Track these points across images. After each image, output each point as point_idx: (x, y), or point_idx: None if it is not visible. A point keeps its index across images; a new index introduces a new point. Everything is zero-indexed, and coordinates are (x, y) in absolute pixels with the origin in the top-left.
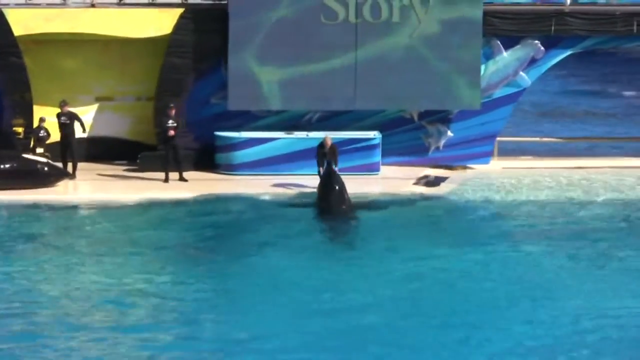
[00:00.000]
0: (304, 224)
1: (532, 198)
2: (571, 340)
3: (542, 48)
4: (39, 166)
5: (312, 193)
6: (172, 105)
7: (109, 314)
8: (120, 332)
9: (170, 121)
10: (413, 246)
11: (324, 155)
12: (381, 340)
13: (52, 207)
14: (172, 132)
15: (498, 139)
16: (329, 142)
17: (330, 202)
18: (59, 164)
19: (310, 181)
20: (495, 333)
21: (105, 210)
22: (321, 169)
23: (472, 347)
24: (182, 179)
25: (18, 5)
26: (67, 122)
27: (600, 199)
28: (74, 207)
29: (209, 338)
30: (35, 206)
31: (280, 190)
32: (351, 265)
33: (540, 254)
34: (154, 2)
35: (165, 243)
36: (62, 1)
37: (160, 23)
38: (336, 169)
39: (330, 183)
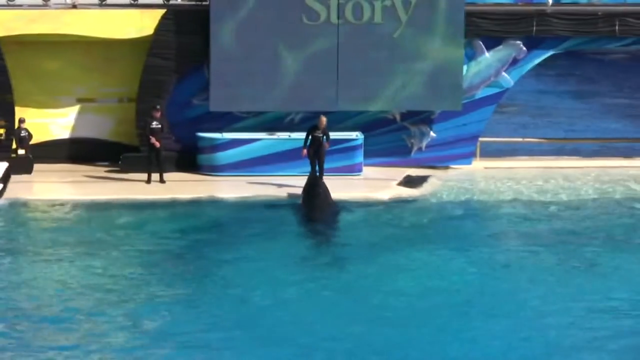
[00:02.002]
0: (287, 227)
1: (511, 198)
2: None
3: (524, 48)
4: None
5: (295, 194)
6: (157, 106)
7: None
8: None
9: (155, 122)
10: (392, 251)
11: (315, 140)
12: None
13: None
14: (156, 142)
15: (480, 139)
16: (324, 121)
17: (314, 206)
18: None
19: (292, 182)
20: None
21: (85, 210)
22: (305, 151)
23: None
24: (162, 180)
25: None
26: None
27: (582, 198)
28: (52, 207)
29: None
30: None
31: (263, 191)
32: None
33: (514, 255)
34: (135, 3)
35: (136, 245)
36: (44, 2)
37: (142, 24)
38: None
39: (314, 190)
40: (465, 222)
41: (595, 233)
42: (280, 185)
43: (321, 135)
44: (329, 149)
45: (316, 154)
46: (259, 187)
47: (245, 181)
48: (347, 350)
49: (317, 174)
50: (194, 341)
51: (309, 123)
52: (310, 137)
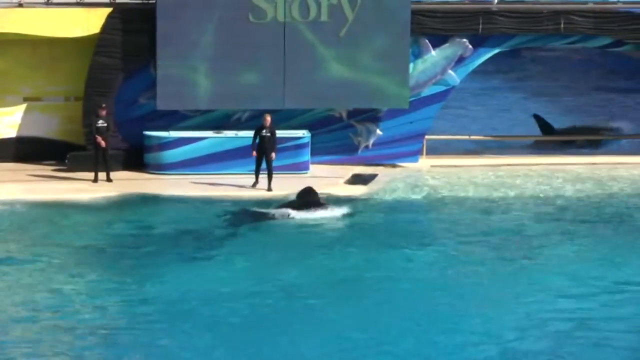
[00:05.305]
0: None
1: (454, 195)
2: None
3: (470, 46)
4: None
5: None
6: (103, 105)
7: None
8: None
9: (101, 121)
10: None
11: (263, 139)
12: None
13: None
14: (102, 142)
15: (427, 137)
16: (269, 120)
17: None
18: None
19: (238, 180)
20: None
21: (33, 210)
22: (254, 152)
23: None
24: (108, 179)
25: None
26: None
27: (527, 195)
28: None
29: None
30: None
31: (210, 189)
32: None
33: (448, 252)
34: (82, 1)
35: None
36: None
37: (88, 23)
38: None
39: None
40: (406, 219)
41: (532, 229)
42: (226, 184)
43: (268, 134)
44: (277, 146)
45: (264, 153)
46: (205, 187)
47: (191, 180)
48: None
49: (267, 172)
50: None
51: (256, 121)
52: (257, 137)
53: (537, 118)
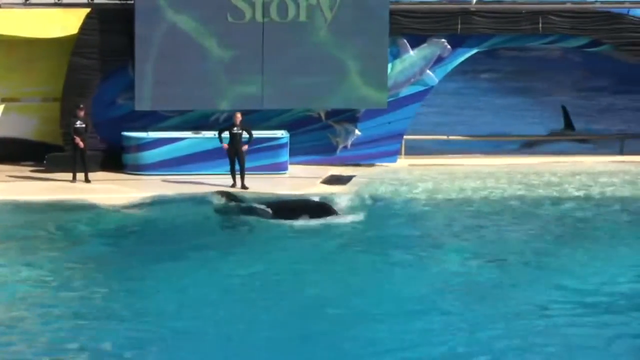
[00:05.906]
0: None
1: (431, 197)
2: None
3: (449, 46)
4: None
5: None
6: (81, 105)
7: None
8: None
9: (79, 122)
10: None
11: (234, 137)
12: None
13: None
14: (80, 142)
15: (405, 137)
16: (239, 118)
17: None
18: None
19: (217, 180)
20: None
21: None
22: (225, 145)
23: None
24: (87, 180)
25: None
26: None
27: (507, 194)
28: None
29: None
30: None
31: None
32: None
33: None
34: (60, 2)
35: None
36: None
37: (66, 23)
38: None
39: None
40: (389, 218)
41: (525, 228)
42: (205, 184)
43: (240, 131)
44: (255, 146)
45: (236, 151)
46: (183, 186)
47: (170, 180)
48: None
49: (238, 172)
50: None
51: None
52: (229, 134)
53: (565, 111)
